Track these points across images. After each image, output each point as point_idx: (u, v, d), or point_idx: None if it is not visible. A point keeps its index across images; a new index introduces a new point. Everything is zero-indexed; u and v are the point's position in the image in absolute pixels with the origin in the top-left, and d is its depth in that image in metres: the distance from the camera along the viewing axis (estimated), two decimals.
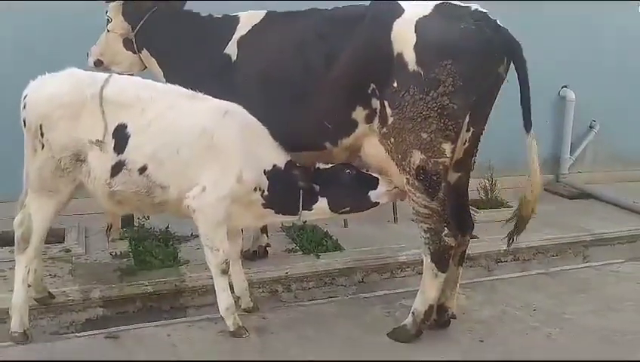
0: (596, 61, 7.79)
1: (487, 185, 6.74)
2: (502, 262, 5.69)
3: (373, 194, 3.82)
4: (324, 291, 5.00)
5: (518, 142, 7.55)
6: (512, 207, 6.67)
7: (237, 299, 4.18)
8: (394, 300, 4.45)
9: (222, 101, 3.82)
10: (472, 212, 6.32)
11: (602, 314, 4.33)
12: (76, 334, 3.88)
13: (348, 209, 3.95)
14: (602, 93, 7.82)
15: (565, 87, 7.84)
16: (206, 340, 3.77)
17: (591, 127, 8.10)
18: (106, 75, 3.80)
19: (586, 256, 6.01)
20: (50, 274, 4.52)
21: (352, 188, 3.83)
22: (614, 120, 7.99)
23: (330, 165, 3.89)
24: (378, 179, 3.81)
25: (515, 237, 3.89)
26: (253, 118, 3.80)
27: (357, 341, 3.86)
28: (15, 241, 3.76)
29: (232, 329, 3.80)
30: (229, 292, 3.85)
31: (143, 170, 3.64)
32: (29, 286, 3.85)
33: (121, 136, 3.63)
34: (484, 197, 6.71)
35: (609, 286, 4.90)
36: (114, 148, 3.63)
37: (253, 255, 5.03)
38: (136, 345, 3.68)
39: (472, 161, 3.85)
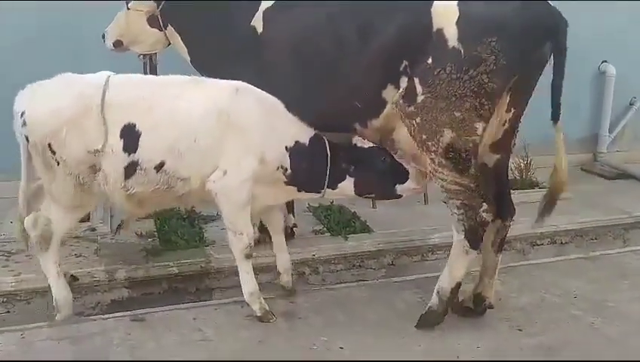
0: (638, 35, 7.40)
1: (522, 164, 6.48)
2: (538, 245, 5.47)
3: (399, 187, 3.73)
4: (353, 274, 4.87)
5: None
6: (546, 187, 6.44)
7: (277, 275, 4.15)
8: (426, 285, 4.24)
9: (229, 80, 3.68)
10: None
11: None
12: (102, 316, 3.80)
13: (372, 196, 3.96)
14: None
15: (605, 61, 7.46)
16: (232, 324, 3.67)
17: (631, 103, 7.72)
18: (103, 76, 3.57)
19: (626, 239, 5.74)
20: (75, 254, 4.47)
21: (383, 177, 3.72)
22: None
23: (369, 145, 3.72)
24: (408, 172, 3.68)
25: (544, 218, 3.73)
26: (266, 93, 3.65)
27: (389, 326, 3.72)
28: (34, 242, 3.64)
29: (258, 314, 3.70)
30: (253, 275, 3.74)
31: (160, 166, 3.49)
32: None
33: (130, 136, 3.46)
34: (518, 178, 6.47)
35: None
36: (124, 149, 3.46)
37: None
38: (162, 328, 3.59)
39: (512, 143, 3.62)
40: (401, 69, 3.41)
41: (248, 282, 3.72)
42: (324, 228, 5.22)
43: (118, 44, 4.55)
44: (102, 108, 3.43)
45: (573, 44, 7.32)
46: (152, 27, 4.47)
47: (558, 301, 4.10)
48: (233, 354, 3.36)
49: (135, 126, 3.46)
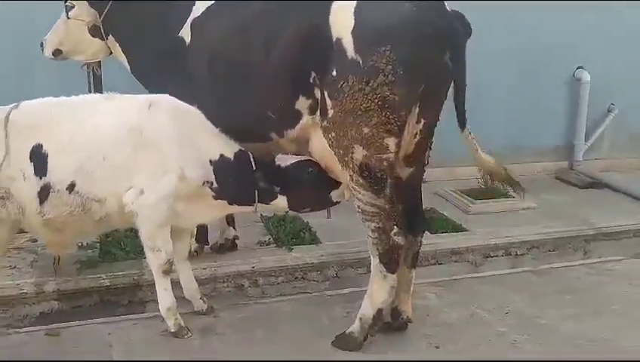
0: (614, 40, 7.22)
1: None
2: (491, 257, 5.33)
3: (334, 194, 3.64)
4: (295, 286, 4.79)
5: (526, 127, 7.27)
6: (512, 197, 6.31)
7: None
8: (358, 298, 4.14)
9: (144, 95, 3.66)
10: (465, 203, 6.06)
11: (582, 319, 3.98)
12: (17, 330, 3.81)
13: (308, 209, 3.84)
14: (621, 75, 7.25)
15: (581, 67, 7.30)
16: (145, 340, 3.64)
17: (609, 110, 7.54)
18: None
19: (587, 251, 5.58)
20: (10, 266, 4.48)
21: (314, 189, 3.64)
22: (635, 103, 7.43)
23: (291, 161, 3.63)
24: None
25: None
26: (186, 105, 3.60)
27: (306, 344, 3.66)
28: None
29: (173, 330, 3.66)
30: (171, 291, 3.69)
31: (71, 187, 3.42)
32: None
33: (39, 158, 3.40)
34: (483, 187, 6.34)
35: (599, 287, 4.51)
36: (35, 173, 3.40)
37: (220, 248, 4.87)
38: (73, 344, 3.58)
39: (427, 155, 3.53)
40: (310, 80, 3.36)
41: (165, 298, 3.67)
42: (271, 239, 5.18)
43: (57, 52, 4.57)
44: (5, 123, 3.39)
45: (548, 50, 7.26)
46: (94, 37, 4.49)
47: (488, 317, 3.99)
48: None
49: (42, 146, 3.41)
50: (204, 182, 3.60)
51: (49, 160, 3.40)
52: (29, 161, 3.40)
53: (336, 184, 3.62)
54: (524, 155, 7.34)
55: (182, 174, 3.51)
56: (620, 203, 6.47)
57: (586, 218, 5.90)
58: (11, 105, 3.50)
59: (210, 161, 3.60)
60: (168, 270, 3.65)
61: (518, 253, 5.42)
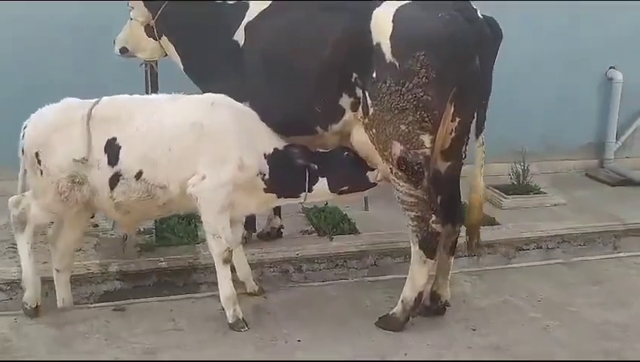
0: None
1: (520, 170, 6.58)
2: (523, 250, 5.56)
3: (370, 175, 3.91)
4: (335, 273, 5.10)
5: (559, 125, 7.45)
6: (543, 193, 6.53)
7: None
8: (398, 285, 4.39)
9: (206, 94, 3.99)
10: (498, 198, 6.29)
11: (610, 308, 4.20)
12: (88, 305, 4.18)
13: (347, 188, 4.04)
14: None
15: (613, 67, 7.45)
16: (204, 316, 3.98)
17: None
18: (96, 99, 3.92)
19: (616, 246, 5.76)
20: (75, 248, 4.85)
21: (350, 168, 3.93)
22: None
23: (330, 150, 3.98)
24: None
25: (474, 245, 3.88)
26: (241, 105, 3.92)
27: (345, 323, 3.94)
28: (12, 219, 3.96)
29: (230, 321, 3.83)
30: (231, 281, 3.89)
31: (139, 175, 3.77)
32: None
33: (112, 149, 3.77)
34: (515, 183, 6.57)
35: (627, 279, 4.72)
36: (108, 163, 3.77)
37: (266, 236, 5.20)
38: (139, 318, 3.94)
39: (463, 151, 3.79)
40: (352, 80, 3.66)
41: (225, 287, 3.86)
42: (313, 229, 5.49)
43: (123, 50, 4.95)
44: (87, 119, 3.77)
45: (582, 50, 7.44)
46: (149, 36, 4.84)
47: (521, 304, 4.24)
48: (198, 344, 3.67)
49: (116, 139, 3.78)
50: (258, 173, 3.89)
51: (120, 151, 3.77)
52: (103, 152, 3.78)
53: (372, 167, 3.88)
54: (556, 153, 7.55)
55: (241, 163, 3.80)
56: None
57: (616, 214, 6.06)
58: (93, 101, 3.88)
59: (265, 155, 3.90)
60: (228, 258, 3.87)
61: (549, 246, 5.64)
